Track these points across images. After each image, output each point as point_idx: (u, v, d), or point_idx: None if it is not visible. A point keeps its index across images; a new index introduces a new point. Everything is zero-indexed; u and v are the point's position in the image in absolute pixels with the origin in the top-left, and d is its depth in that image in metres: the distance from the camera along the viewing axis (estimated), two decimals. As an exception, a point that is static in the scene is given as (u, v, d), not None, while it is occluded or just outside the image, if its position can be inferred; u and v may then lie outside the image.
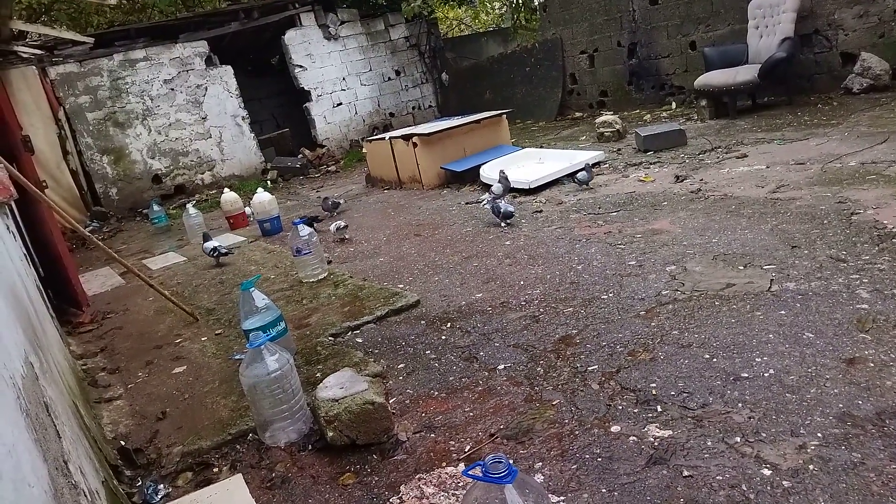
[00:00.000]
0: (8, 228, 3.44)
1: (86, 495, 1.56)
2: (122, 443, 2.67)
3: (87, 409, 2.81)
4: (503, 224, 4.92)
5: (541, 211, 5.18)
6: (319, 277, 4.48)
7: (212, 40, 10.60)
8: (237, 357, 3.32)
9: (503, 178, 5.55)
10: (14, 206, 4.12)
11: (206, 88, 10.60)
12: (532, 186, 5.84)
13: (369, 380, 2.59)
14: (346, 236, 5.69)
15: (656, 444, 2.03)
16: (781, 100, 7.64)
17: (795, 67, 7.47)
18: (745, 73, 7.17)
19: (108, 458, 2.46)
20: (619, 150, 7.05)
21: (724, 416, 2.09)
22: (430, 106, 13.02)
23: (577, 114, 10.66)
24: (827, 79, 7.53)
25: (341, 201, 7.00)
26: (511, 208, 4.94)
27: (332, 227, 5.74)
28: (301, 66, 11.40)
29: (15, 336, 1.79)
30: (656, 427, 2.11)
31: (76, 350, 4.07)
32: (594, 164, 5.82)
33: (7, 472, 0.97)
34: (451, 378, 2.75)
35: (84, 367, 3.70)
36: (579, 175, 5.64)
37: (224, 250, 5.63)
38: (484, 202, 5.72)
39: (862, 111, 6.23)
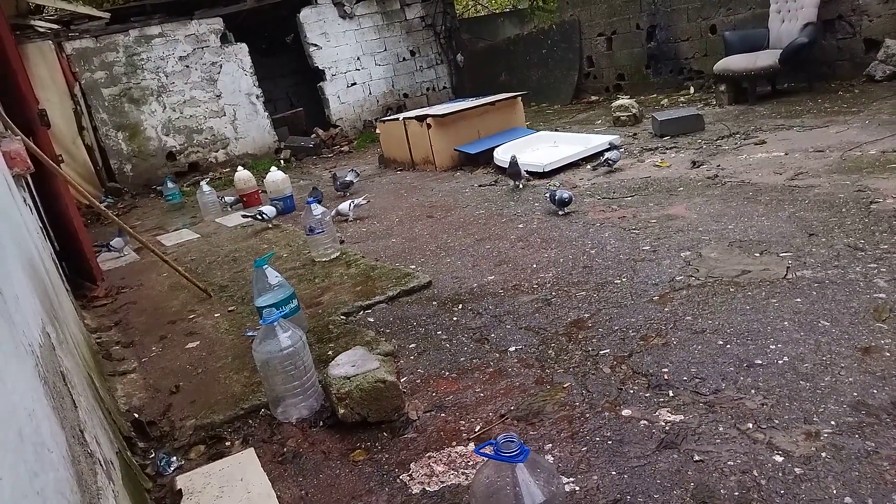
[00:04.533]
0: (25, 201, 3.47)
1: (101, 464, 1.58)
2: (136, 415, 2.70)
3: (101, 381, 2.85)
4: (560, 212, 4.55)
5: (554, 194, 5.15)
6: (332, 257, 4.49)
7: (227, 17, 10.56)
8: (250, 333, 3.34)
9: (513, 164, 5.49)
10: (30, 179, 4.15)
11: (221, 66, 10.58)
12: (546, 170, 5.80)
13: (381, 358, 2.60)
14: (356, 217, 5.65)
15: (667, 428, 2.02)
16: (802, 86, 7.51)
17: (817, 53, 7.34)
18: (765, 59, 7.06)
19: (122, 429, 2.49)
20: (635, 134, 6.99)
21: (737, 403, 2.08)
22: (444, 87, 12.93)
23: (594, 97, 10.55)
24: (849, 65, 7.39)
25: (353, 179, 6.77)
26: (567, 194, 4.52)
27: (345, 206, 5.58)
28: (316, 45, 11.35)
29: (33, 306, 1.81)
30: (668, 411, 2.10)
31: (91, 323, 4.11)
32: (611, 148, 5.75)
33: (28, 436, 0.98)
34: (461, 359, 2.75)
35: (98, 341, 3.75)
36: (610, 154, 5.52)
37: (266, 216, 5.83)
38: (510, 183, 5.58)
39: (884, 99, 6.12)
